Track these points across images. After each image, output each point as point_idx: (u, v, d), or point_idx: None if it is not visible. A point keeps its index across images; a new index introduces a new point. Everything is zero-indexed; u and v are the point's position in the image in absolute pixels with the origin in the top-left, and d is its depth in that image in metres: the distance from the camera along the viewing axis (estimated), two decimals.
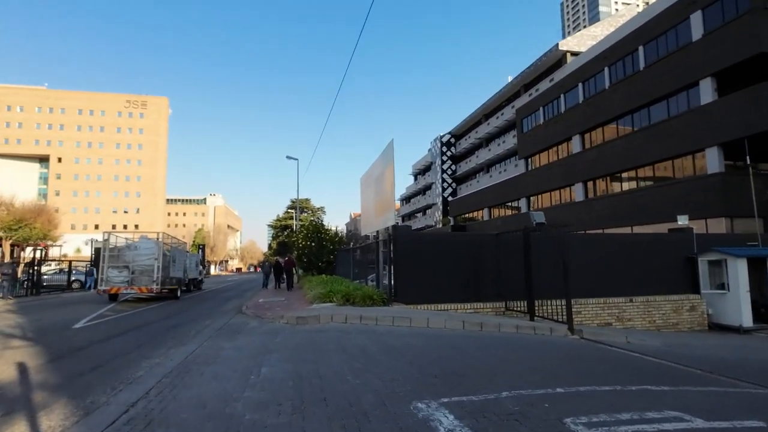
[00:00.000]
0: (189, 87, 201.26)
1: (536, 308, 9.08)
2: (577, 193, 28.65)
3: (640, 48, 23.69)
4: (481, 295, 10.48)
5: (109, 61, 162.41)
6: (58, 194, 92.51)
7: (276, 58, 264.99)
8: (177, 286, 16.75)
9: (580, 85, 28.64)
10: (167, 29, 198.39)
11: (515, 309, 9.90)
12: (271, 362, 5.40)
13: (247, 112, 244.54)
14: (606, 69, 26.31)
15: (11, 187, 79.84)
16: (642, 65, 23.56)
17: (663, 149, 21.75)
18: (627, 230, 22.18)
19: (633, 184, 24.37)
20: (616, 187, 25.89)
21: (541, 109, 33.34)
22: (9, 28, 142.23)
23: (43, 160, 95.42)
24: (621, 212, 23.65)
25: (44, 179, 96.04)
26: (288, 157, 29.83)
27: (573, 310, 8.13)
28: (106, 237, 14.76)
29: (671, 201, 20.38)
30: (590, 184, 27.80)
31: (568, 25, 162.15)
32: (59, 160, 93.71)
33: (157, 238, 15.19)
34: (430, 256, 10.45)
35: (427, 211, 67.04)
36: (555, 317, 8.43)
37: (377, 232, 13.53)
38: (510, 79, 46.35)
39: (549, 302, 8.75)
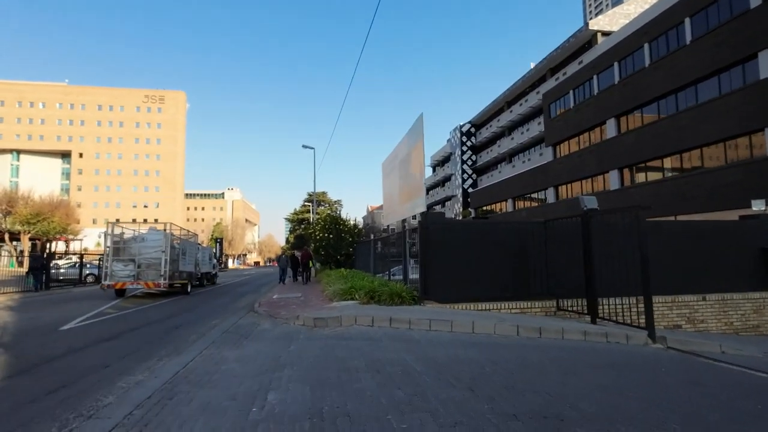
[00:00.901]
0: (206, 82, 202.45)
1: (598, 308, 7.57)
2: (611, 180, 26.67)
3: (687, 20, 21.54)
4: (528, 293, 9.00)
5: (127, 56, 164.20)
6: (80, 189, 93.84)
7: (292, 51, 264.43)
8: (187, 280, 15.68)
9: (616, 64, 26.54)
10: (183, 25, 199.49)
11: (569, 308, 8.40)
12: (282, 383, 4.08)
13: (264, 106, 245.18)
14: (646, 45, 24.17)
15: (35, 182, 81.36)
16: (689, 39, 21.42)
17: (714, 130, 19.70)
18: (671, 219, 20.25)
19: (677, 169, 22.33)
20: (656, 173, 23.86)
21: (571, 92, 31.28)
22: (30, 26, 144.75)
23: (65, 155, 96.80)
24: (664, 200, 21.67)
25: (66, 174, 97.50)
26: (304, 146, 28.62)
27: (635, 310, 6.62)
28: (110, 228, 13.71)
29: (726, 186, 18.39)
30: (627, 171, 25.79)
31: (590, 12, 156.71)
32: (80, 155, 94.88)
33: (165, 230, 14.08)
34: (466, 247, 9.00)
35: (446, 203, 65.23)
36: (621, 319, 6.92)
37: (402, 221, 12.11)
38: (533, 65, 44.18)
39: (610, 301, 7.25)
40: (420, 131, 9.70)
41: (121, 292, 14.31)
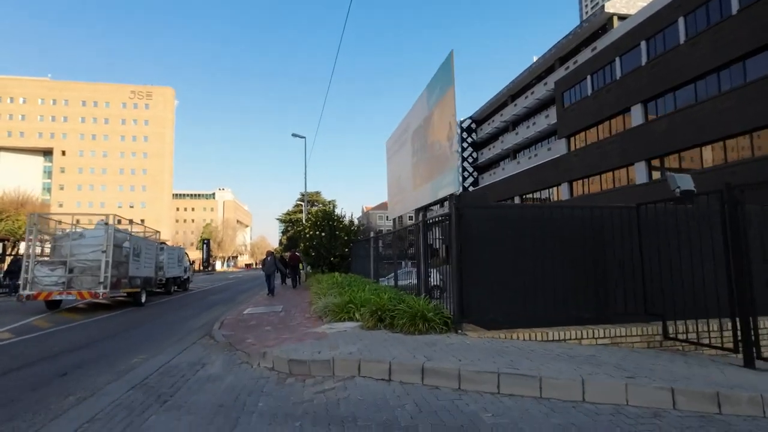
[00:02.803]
0: (195, 79, 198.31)
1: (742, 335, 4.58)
2: (638, 173, 23.83)
3: None
4: (614, 312, 6.00)
5: (114, 50, 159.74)
6: (62, 188, 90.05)
7: (285, 44, 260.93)
8: (141, 288, 12.50)
9: (643, 43, 23.72)
10: (170, 18, 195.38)
11: (690, 339, 5.40)
12: None
13: (257, 106, 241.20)
14: (681, 20, 21.37)
15: (14, 181, 77.45)
16: (735, 9, 18.63)
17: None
18: None
19: (720, 158, 19.51)
20: (693, 163, 21.03)
21: (588, 78, 28.45)
22: (11, 17, 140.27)
23: (47, 153, 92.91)
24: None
25: (48, 173, 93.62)
26: (294, 135, 25.52)
27: None
28: (33, 220, 10.51)
29: None
30: (656, 162, 22.95)
31: (586, 5, 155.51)
32: (63, 153, 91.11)
33: (106, 223, 10.84)
34: (520, 243, 6.02)
35: (445, 203, 62.34)
36: None
37: (418, 211, 9.13)
38: (535, 59, 41.52)
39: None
40: (449, 77, 6.67)
41: (54, 304, 11.14)
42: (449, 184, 6.87)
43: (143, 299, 12.49)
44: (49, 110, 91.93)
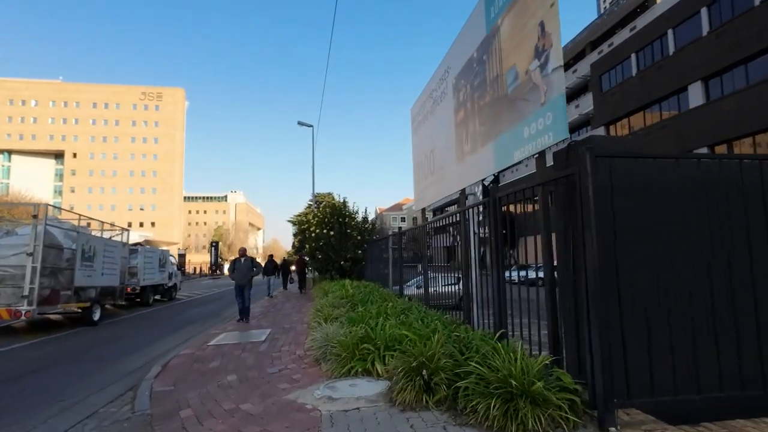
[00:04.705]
0: (207, 82, 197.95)
1: None
2: None
3: None
4: None
5: (125, 53, 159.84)
6: (73, 191, 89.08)
7: (299, 47, 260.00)
8: (93, 302, 9.65)
9: (704, 10, 20.29)
10: (182, 20, 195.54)
11: None
12: None
13: (268, 107, 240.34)
14: None
15: (27, 184, 76.45)
16: None
17: None
18: None
19: None
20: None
21: (633, 56, 25.06)
22: (24, 21, 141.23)
23: (59, 156, 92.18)
24: None
25: (60, 176, 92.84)
26: (300, 123, 22.72)
27: None
28: None
29: None
30: (722, 147, 19.49)
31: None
32: (74, 155, 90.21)
33: (35, 215, 7.91)
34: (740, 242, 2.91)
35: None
36: None
37: (463, 197, 6.14)
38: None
39: None
40: None
41: None
42: (547, 129, 3.82)
43: (96, 316, 9.64)
44: (60, 112, 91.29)
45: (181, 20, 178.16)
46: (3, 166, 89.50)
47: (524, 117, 4.23)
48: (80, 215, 9.76)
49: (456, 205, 6.87)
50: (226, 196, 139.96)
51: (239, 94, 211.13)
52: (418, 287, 8.66)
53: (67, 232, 8.91)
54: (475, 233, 5.99)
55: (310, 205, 68.94)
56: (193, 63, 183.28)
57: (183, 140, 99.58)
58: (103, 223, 11.59)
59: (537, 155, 4.13)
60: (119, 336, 8.66)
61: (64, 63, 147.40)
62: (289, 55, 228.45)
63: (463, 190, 6.45)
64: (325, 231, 15.26)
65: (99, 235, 10.76)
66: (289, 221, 77.63)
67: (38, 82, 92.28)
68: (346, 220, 15.95)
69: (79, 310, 9.31)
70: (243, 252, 10.13)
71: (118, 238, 11.84)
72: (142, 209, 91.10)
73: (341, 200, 18.23)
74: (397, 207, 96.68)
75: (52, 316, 10.25)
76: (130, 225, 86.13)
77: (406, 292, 9.39)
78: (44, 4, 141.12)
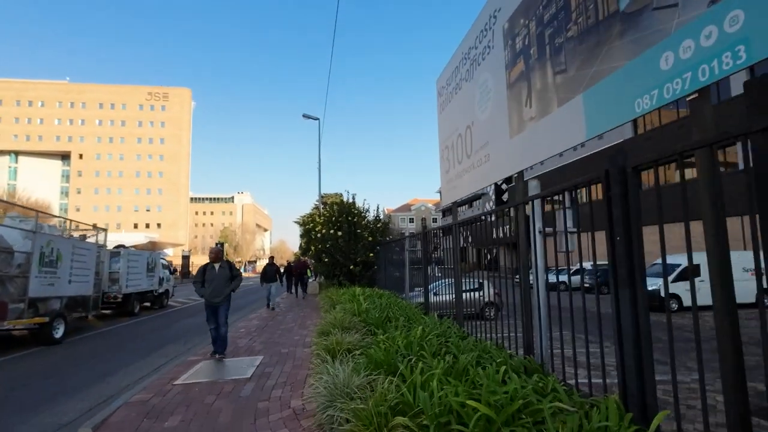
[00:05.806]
0: (213, 83, 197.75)
1: None
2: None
3: None
4: None
5: (131, 52, 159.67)
6: (79, 192, 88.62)
7: (309, 44, 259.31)
8: (55, 315, 8.03)
9: None
10: (189, 19, 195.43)
11: None
12: None
13: (276, 106, 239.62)
14: None
15: (34, 185, 75.83)
16: None
17: None
18: None
19: None
20: None
21: None
22: (30, 21, 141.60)
23: (65, 157, 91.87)
24: None
25: (66, 177, 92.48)
26: (305, 116, 21.10)
27: None
28: None
29: None
30: None
31: None
32: (80, 156, 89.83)
33: None
34: None
35: (474, 202, 57.04)
36: None
37: (521, 176, 4.32)
38: None
39: None
40: None
41: None
42: (730, 41, 2.07)
43: (58, 333, 8.01)
44: (67, 113, 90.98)
45: (187, 20, 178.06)
46: (10, 167, 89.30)
47: (665, 35, 2.49)
48: (38, 211, 8.10)
49: (480, 198, 5.17)
50: (233, 198, 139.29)
51: (246, 95, 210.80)
52: (435, 294, 7.11)
53: (15, 231, 7.31)
54: (540, 232, 4.35)
55: (317, 206, 67.20)
56: (200, 63, 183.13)
57: (189, 141, 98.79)
58: (68, 221, 10.00)
59: (696, 94, 2.39)
60: (78, 360, 7.02)
61: (70, 64, 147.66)
62: (296, 56, 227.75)
63: (521, 173, 4.73)
64: (332, 231, 13.57)
65: (67, 235, 9.19)
66: (295, 222, 76.25)
67: (45, 83, 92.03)
68: (356, 219, 14.25)
69: (37, 327, 7.71)
70: (217, 254, 6.96)
71: (93, 240, 10.27)
72: (148, 210, 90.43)
73: (350, 198, 16.59)
74: (406, 208, 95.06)
75: (15, 332, 8.67)
76: (136, 226, 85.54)
77: (419, 299, 8.07)
78: (51, 5, 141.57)
